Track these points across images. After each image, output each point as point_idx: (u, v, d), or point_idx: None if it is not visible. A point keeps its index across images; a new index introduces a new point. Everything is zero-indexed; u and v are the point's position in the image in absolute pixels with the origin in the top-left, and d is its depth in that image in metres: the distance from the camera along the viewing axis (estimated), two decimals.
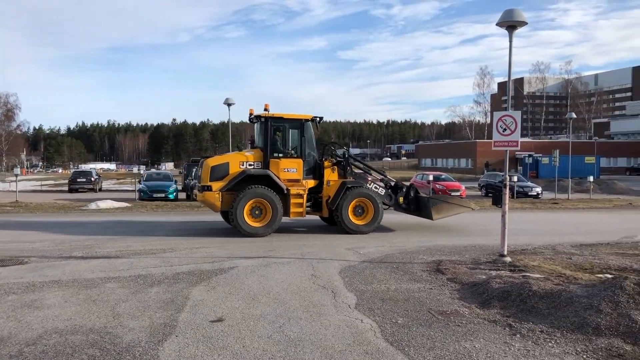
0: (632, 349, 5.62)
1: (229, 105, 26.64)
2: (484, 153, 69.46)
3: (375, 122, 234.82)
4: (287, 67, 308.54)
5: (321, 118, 15.60)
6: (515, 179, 30.47)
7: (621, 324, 6.07)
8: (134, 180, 40.00)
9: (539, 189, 30.75)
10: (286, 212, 14.73)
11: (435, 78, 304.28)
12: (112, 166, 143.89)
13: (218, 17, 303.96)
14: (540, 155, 57.25)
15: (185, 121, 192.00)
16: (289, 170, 14.93)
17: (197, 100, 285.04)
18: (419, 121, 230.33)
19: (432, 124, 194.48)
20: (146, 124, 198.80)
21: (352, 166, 16.02)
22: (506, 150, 10.66)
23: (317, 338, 6.06)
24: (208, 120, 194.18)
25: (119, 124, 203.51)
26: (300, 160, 15.08)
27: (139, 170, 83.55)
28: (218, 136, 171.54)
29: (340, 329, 6.41)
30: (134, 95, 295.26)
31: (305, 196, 14.97)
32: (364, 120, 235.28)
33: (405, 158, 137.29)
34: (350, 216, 15.18)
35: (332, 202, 15.03)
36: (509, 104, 11.17)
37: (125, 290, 8.30)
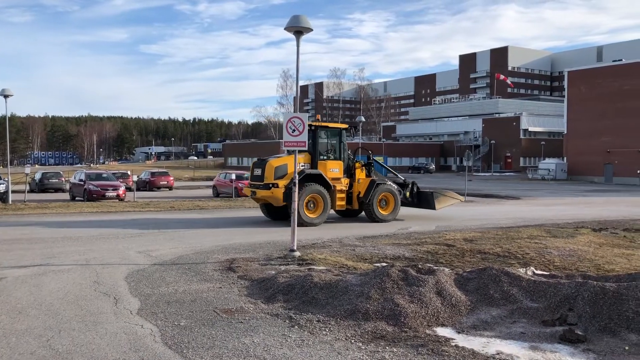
0: (393, 329, 6.23)
1: (5, 97, 23.75)
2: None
3: (181, 119, 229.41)
4: (84, 58, 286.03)
5: (356, 127, 19.35)
6: None
7: (386, 307, 6.69)
8: None
9: None
10: (332, 206, 17.40)
11: (241, 78, 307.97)
12: None
13: None
14: None
15: None
16: (333, 170, 17.73)
17: None
18: (226, 120, 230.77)
19: (239, 123, 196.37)
20: None
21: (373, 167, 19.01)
22: (295, 150, 11.12)
23: (89, 349, 5.64)
24: None
25: None
26: (340, 162, 18.01)
27: None
28: None
29: (117, 336, 6.05)
30: None
31: (345, 192, 17.93)
32: (169, 118, 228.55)
33: (211, 157, 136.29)
34: (378, 208, 18.06)
35: (364, 197, 17.94)
36: (297, 106, 11.67)
37: None
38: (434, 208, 19.34)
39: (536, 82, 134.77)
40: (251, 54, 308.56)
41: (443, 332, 6.21)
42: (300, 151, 16.87)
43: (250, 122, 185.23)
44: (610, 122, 51.86)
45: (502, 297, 7.02)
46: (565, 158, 57.94)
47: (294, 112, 11.36)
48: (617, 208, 24.62)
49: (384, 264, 10.89)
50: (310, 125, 17.05)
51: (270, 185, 16.63)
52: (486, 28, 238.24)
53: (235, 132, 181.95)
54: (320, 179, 17.13)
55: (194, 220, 18.68)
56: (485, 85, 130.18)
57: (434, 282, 7.20)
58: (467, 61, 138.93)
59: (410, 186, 19.72)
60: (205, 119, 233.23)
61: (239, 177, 30.89)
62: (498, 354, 5.49)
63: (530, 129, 78.74)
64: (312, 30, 10.69)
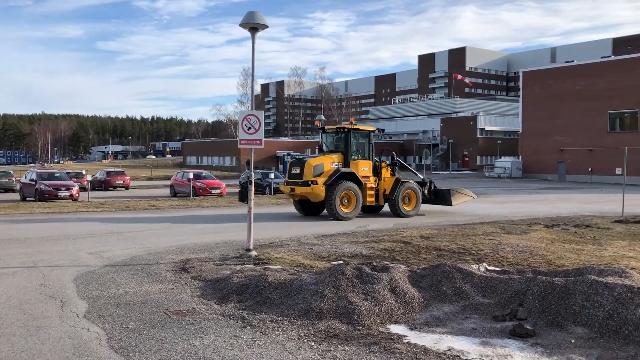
0: (347, 327, 6.20)
1: None
2: (247, 151, 71.53)
3: (139, 118, 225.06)
4: (37, 55, 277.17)
5: (383, 130, 20.99)
6: (272, 176, 31.94)
7: (340, 306, 6.65)
8: None
9: None
10: (362, 202, 18.76)
11: (201, 76, 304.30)
12: None
13: None
14: (299, 154, 61.04)
15: None
16: (363, 169, 19.05)
17: None
18: (185, 118, 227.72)
19: (199, 121, 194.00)
20: None
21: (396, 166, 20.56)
22: (251, 148, 10.98)
23: (29, 355, 5.40)
24: None
25: None
26: (370, 162, 19.38)
27: None
28: None
29: (60, 341, 5.82)
30: None
31: (374, 189, 19.29)
32: (127, 116, 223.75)
33: (170, 156, 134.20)
34: (402, 204, 19.31)
35: (390, 194, 19.36)
36: (252, 104, 11.53)
37: None
38: (450, 204, 20.73)
39: (493, 82, 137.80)
40: (211, 52, 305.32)
41: (396, 329, 6.21)
42: (333, 151, 19.36)
43: (210, 120, 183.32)
44: (562, 122, 53.38)
45: (455, 293, 7.08)
46: (520, 156, 59.35)
47: (251, 109, 11.21)
48: (569, 205, 25.34)
49: (341, 262, 10.90)
50: (343, 128, 19.11)
51: (310, 183, 18.04)
52: (445, 29, 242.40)
53: (194, 131, 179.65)
54: (353, 177, 18.57)
55: (150, 220, 18.29)
56: (443, 85, 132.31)
57: (388, 280, 7.20)
58: (426, 61, 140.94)
59: (428, 184, 21.09)
60: (164, 118, 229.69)
61: (197, 176, 30.48)
62: (449, 350, 5.51)
63: (487, 128, 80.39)
64: (267, 27, 10.55)
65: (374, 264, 8.05)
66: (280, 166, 65.15)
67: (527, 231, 15.07)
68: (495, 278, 7.26)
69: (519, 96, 63.36)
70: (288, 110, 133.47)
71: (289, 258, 10.86)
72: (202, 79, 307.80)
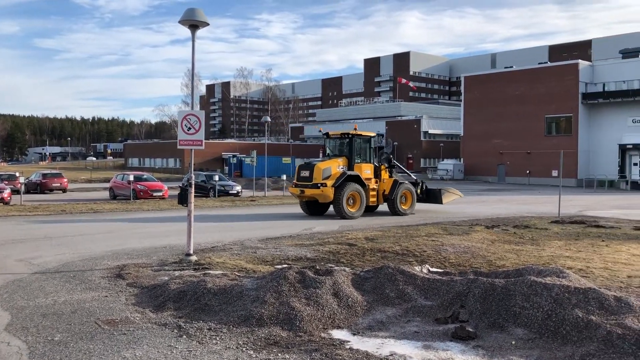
0: (288, 334, 6.00)
1: None
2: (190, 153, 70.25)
3: (79, 118, 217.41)
4: None
5: (383, 135, 26.31)
6: (216, 178, 31.38)
7: (281, 312, 6.45)
8: None
9: (239, 188, 32.28)
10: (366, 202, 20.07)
11: (145, 76, 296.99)
12: None
13: None
14: (244, 155, 60.38)
15: None
16: (366, 171, 20.36)
17: None
18: (128, 119, 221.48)
19: (142, 122, 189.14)
20: None
21: (394, 168, 21.96)
22: (191, 149, 10.64)
23: None
24: None
25: None
26: (371, 165, 20.67)
27: None
28: None
29: None
30: None
31: (375, 190, 20.61)
32: (67, 116, 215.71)
33: (111, 157, 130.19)
34: (400, 203, 20.73)
35: (389, 194, 20.74)
36: (192, 103, 11.16)
37: None
38: (441, 203, 22.41)
39: (436, 86, 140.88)
40: (155, 51, 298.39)
41: (338, 334, 6.07)
42: (337, 155, 20.52)
43: (153, 121, 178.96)
44: (502, 125, 55.08)
45: (398, 296, 7.01)
46: (462, 159, 60.86)
47: (191, 109, 10.86)
48: (509, 206, 26.06)
49: (285, 266, 10.71)
50: (347, 134, 20.39)
51: (319, 185, 19.23)
52: (390, 33, 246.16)
53: (137, 132, 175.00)
54: (357, 179, 19.87)
55: (86, 224, 17.53)
56: (389, 89, 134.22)
57: (331, 284, 7.06)
58: (372, 65, 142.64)
59: (420, 185, 22.58)
60: (106, 118, 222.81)
61: (138, 179, 29.53)
62: (392, 354, 5.42)
63: (430, 131, 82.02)
64: (208, 24, 10.25)
65: (318, 267, 7.90)
66: (226, 168, 64.31)
67: (468, 232, 15.33)
68: (437, 280, 7.25)
69: (460, 100, 64.95)
70: (234, 112, 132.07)
71: (231, 262, 10.58)
72: (145, 79, 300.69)
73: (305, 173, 19.90)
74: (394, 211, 20.78)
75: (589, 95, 50.35)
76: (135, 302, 7.60)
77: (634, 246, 13.08)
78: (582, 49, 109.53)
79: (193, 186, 10.65)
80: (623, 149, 46.29)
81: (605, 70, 51.61)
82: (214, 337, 5.98)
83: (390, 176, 21.37)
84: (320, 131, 23.11)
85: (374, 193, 20.66)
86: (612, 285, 9.04)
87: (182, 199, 11.22)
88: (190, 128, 10.32)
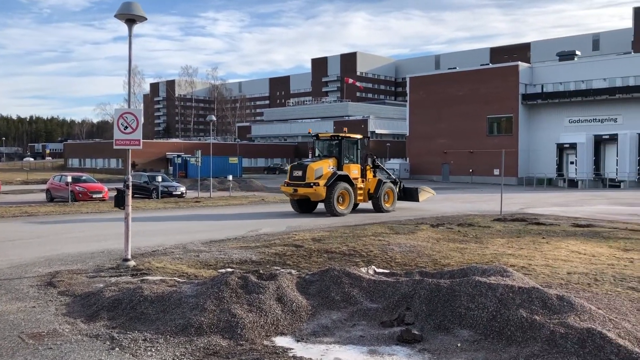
0: (228, 343, 5.73)
1: None
2: (135, 153, 68.42)
3: (15, 117, 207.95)
4: None
5: (369, 137, 24.38)
6: (159, 179, 30.48)
7: (222, 319, 6.16)
8: None
9: (183, 189, 31.47)
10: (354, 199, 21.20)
11: (86, 74, 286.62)
12: None
13: None
14: (189, 155, 59.18)
15: None
16: (354, 172, 21.46)
17: None
18: (68, 118, 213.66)
19: (83, 122, 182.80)
20: None
21: (377, 169, 23.37)
22: (128, 149, 10.16)
23: None
24: None
25: None
26: (358, 165, 21.84)
27: None
28: None
29: None
30: None
31: (362, 189, 21.76)
32: (2, 115, 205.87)
33: (50, 158, 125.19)
34: (383, 201, 21.92)
35: (374, 193, 21.94)
36: (129, 101, 10.67)
37: None
38: (417, 200, 23.78)
39: (382, 87, 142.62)
40: (97, 49, 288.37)
41: (282, 341, 5.84)
42: (327, 156, 21.50)
43: (95, 120, 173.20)
44: (446, 125, 56.22)
45: (343, 299, 6.85)
46: (407, 158, 61.75)
47: (129, 107, 10.37)
48: (453, 204, 26.50)
49: (228, 270, 10.38)
50: (337, 136, 21.69)
51: (312, 184, 20.18)
52: (338, 34, 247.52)
53: (78, 132, 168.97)
54: (347, 179, 21.00)
55: (19, 228, 16.59)
56: (336, 89, 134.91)
57: (274, 288, 6.82)
58: (319, 65, 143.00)
59: (399, 184, 23.80)
60: (45, 117, 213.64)
61: (76, 180, 28.31)
62: None
63: (377, 131, 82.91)
64: (145, 19, 9.81)
65: (261, 271, 7.63)
66: (171, 168, 62.86)
67: (414, 231, 15.41)
68: (383, 282, 7.13)
69: (406, 101, 65.91)
70: (179, 111, 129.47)
71: (172, 267, 10.18)
72: (87, 76, 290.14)
73: (298, 173, 20.90)
74: (378, 209, 21.89)
75: (528, 96, 52.05)
76: (66, 312, 7.13)
77: (573, 242, 13.46)
78: (522, 51, 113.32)
79: (130, 188, 10.17)
80: (560, 148, 48.05)
81: (544, 72, 53.51)
82: (149, 348, 5.64)
83: (374, 176, 22.66)
84: (309, 133, 24.53)
85: (361, 192, 21.80)
86: (553, 282, 9.20)
87: (119, 202, 10.69)
88: (127, 127, 9.85)
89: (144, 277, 8.89)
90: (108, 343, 5.83)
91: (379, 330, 6.04)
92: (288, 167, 22.51)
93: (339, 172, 20.79)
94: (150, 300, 6.92)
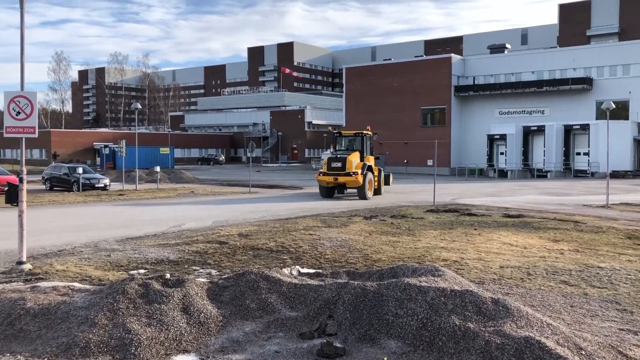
0: None
1: None
2: (60, 143, 64.92)
3: None
4: None
5: (377, 134, 27.30)
6: (80, 170, 28.56)
7: (114, 336, 5.26)
8: None
9: (106, 181, 29.67)
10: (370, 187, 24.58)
11: (10, 59, 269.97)
12: None
13: None
14: (118, 146, 56.51)
15: None
16: (371, 163, 25.04)
17: None
18: None
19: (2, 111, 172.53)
20: None
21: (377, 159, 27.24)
22: (22, 138, 8.95)
23: None
24: None
25: None
26: (372, 157, 25.73)
27: None
28: None
29: None
30: None
31: (376, 177, 25.52)
32: None
33: None
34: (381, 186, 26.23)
35: (378, 180, 25.63)
36: (22, 84, 9.36)
37: None
38: (389, 184, 27.82)
39: (319, 77, 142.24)
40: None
41: None
42: (352, 150, 25.52)
43: None
44: (382, 116, 56.30)
45: (259, 307, 6.07)
46: None
47: (21, 89, 9.11)
48: (387, 195, 26.24)
49: (142, 271, 9.40)
50: (361, 132, 25.31)
51: (352, 173, 23.43)
52: (275, 23, 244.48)
53: None
54: (371, 169, 24.70)
55: None
56: (273, 78, 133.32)
57: (180, 297, 5.97)
58: (256, 54, 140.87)
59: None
60: None
61: None
62: None
63: (314, 121, 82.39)
64: None
65: (168, 276, 6.73)
66: (98, 159, 59.92)
67: (346, 223, 14.85)
68: (305, 285, 6.41)
69: (342, 92, 65.65)
70: (109, 99, 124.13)
71: (75, 270, 9.11)
72: (10, 62, 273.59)
73: (337, 164, 23.96)
74: (378, 192, 25.71)
75: (460, 88, 52.84)
76: None
77: (504, 234, 13.28)
78: (455, 44, 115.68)
79: (25, 182, 8.96)
80: (491, 139, 49.04)
81: (475, 64, 54.45)
82: None
83: (375, 165, 26.31)
84: (330, 130, 28.38)
85: (376, 179, 25.54)
86: (486, 277, 8.82)
87: (11, 197, 9.45)
88: (19, 112, 8.65)
89: (36, 284, 7.79)
90: None
91: (296, 344, 5.32)
92: (324, 159, 25.93)
93: (368, 164, 24.42)
94: (33, 313, 5.91)
